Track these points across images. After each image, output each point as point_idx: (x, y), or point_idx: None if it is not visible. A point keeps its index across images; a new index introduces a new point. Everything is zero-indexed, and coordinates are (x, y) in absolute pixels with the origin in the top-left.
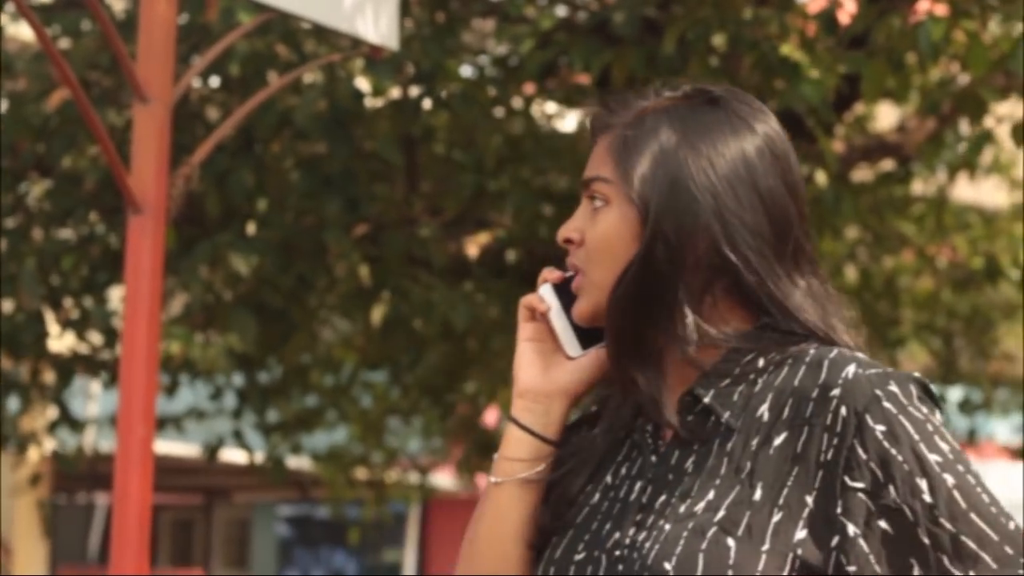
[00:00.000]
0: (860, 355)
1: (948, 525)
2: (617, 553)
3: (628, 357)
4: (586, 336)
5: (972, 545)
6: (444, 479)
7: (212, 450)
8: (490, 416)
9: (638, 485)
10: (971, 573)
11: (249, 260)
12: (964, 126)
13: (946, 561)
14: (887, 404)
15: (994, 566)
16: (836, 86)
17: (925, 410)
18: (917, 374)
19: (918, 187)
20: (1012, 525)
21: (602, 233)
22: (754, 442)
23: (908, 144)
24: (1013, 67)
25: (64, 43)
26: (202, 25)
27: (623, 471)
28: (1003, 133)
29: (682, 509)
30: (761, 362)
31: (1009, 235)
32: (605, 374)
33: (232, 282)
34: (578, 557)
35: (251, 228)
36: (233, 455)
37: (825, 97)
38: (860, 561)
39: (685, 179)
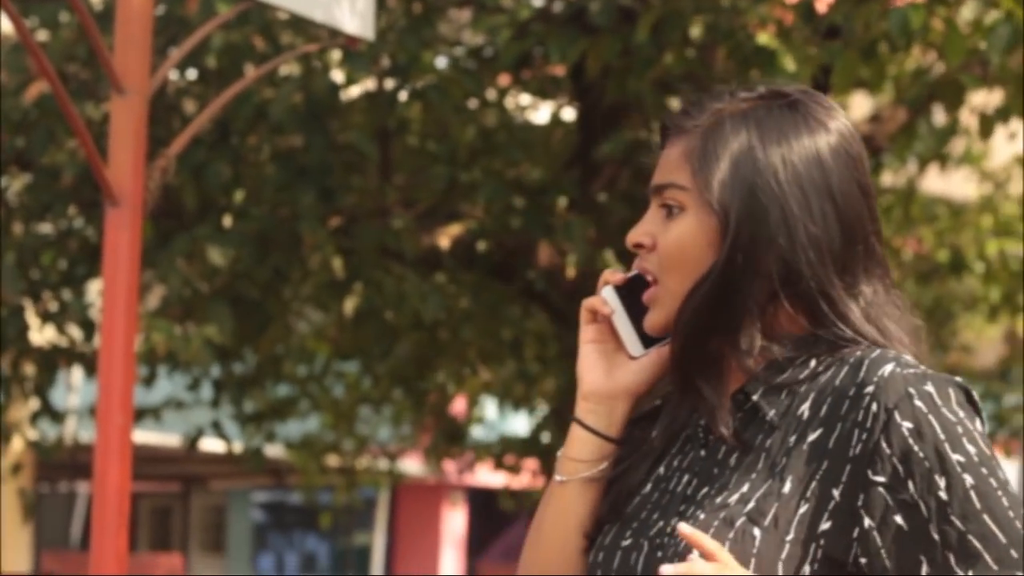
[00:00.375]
0: (905, 357)
1: (959, 523)
2: (658, 541)
3: (692, 363)
4: (645, 336)
5: (976, 544)
6: (412, 465)
7: (192, 440)
8: (458, 405)
9: (686, 478)
10: (969, 572)
11: (226, 253)
12: (938, 117)
13: (952, 560)
14: (918, 403)
15: (995, 567)
16: (812, 76)
17: (962, 414)
18: (960, 379)
19: (888, 178)
20: None
21: (678, 240)
22: (792, 439)
23: (880, 135)
24: (988, 55)
25: (42, 35)
26: (180, 17)
27: (675, 463)
28: (975, 124)
29: (718, 501)
30: (812, 363)
31: (976, 227)
32: (667, 372)
33: (209, 275)
34: (625, 543)
35: (228, 221)
36: (210, 444)
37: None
38: (872, 554)
39: (761, 188)
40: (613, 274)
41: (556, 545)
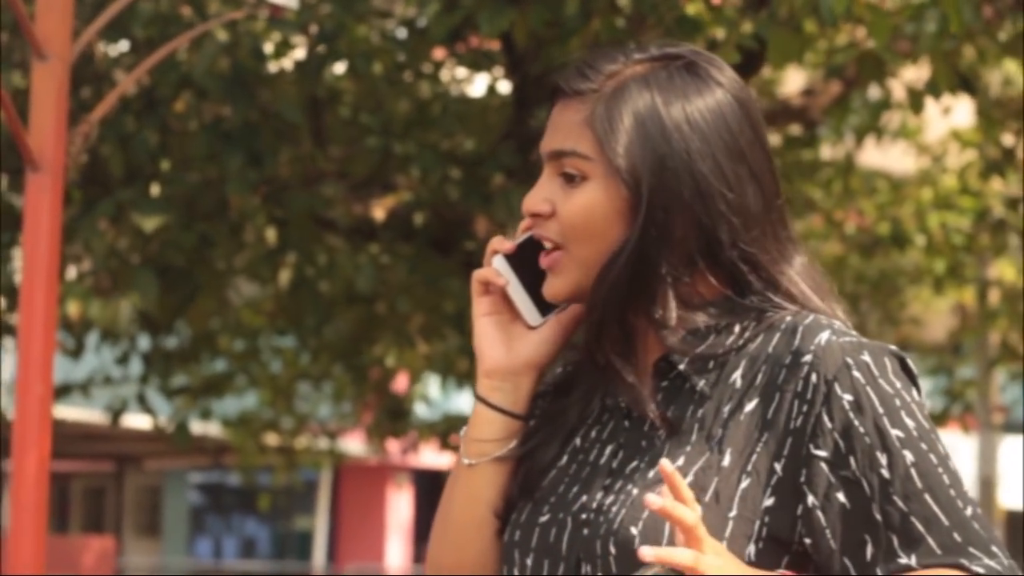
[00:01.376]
0: (836, 323)
1: (901, 504)
2: (583, 516)
3: (609, 339)
4: (540, 301)
5: (919, 527)
6: (355, 445)
7: (116, 414)
8: (400, 382)
9: (609, 449)
10: (913, 556)
11: (152, 219)
12: (872, 90)
13: (895, 542)
14: (856, 374)
15: (938, 552)
16: (740, 48)
17: (899, 384)
18: (895, 347)
19: (826, 152)
20: (970, 511)
21: (583, 209)
22: (726, 409)
23: (814, 108)
24: (916, 32)
25: None
26: None
27: (593, 434)
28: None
29: (651, 474)
30: (737, 329)
31: (916, 201)
32: (569, 340)
33: (137, 243)
34: (543, 519)
35: (155, 189)
36: (144, 422)
37: (730, 63)
38: (816, 533)
39: (670, 155)
40: (502, 242)
41: (468, 530)
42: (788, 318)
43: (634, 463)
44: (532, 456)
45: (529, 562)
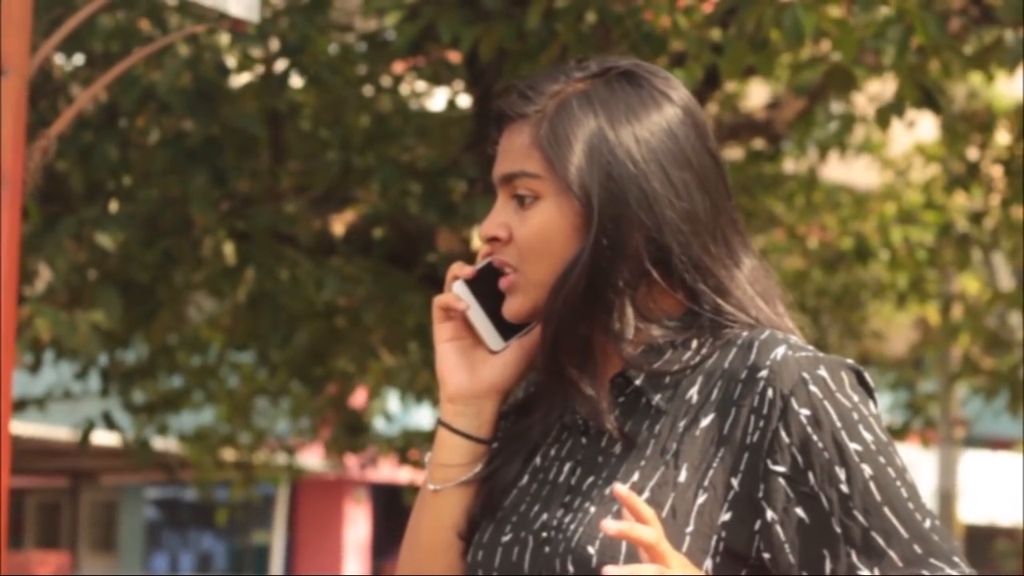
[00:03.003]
0: (793, 338)
1: (860, 518)
2: (544, 535)
3: (565, 353)
4: (502, 326)
5: (880, 541)
6: (312, 460)
7: (85, 433)
8: (359, 397)
9: (567, 467)
10: (875, 569)
11: (114, 236)
12: (835, 105)
13: (854, 556)
14: (813, 388)
15: (900, 564)
16: (706, 62)
17: (856, 398)
18: (851, 361)
19: (789, 166)
20: (928, 523)
21: (539, 229)
22: (681, 424)
23: (778, 122)
24: (880, 48)
25: None
26: (67, 0)
27: (552, 452)
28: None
29: (607, 491)
30: (694, 344)
31: (880, 215)
32: (532, 363)
33: (97, 259)
34: (505, 539)
35: (115, 205)
36: (100, 438)
37: (695, 77)
38: (775, 548)
39: (618, 168)
40: (461, 268)
41: (434, 552)
42: (744, 333)
43: (591, 479)
44: (494, 476)
45: None
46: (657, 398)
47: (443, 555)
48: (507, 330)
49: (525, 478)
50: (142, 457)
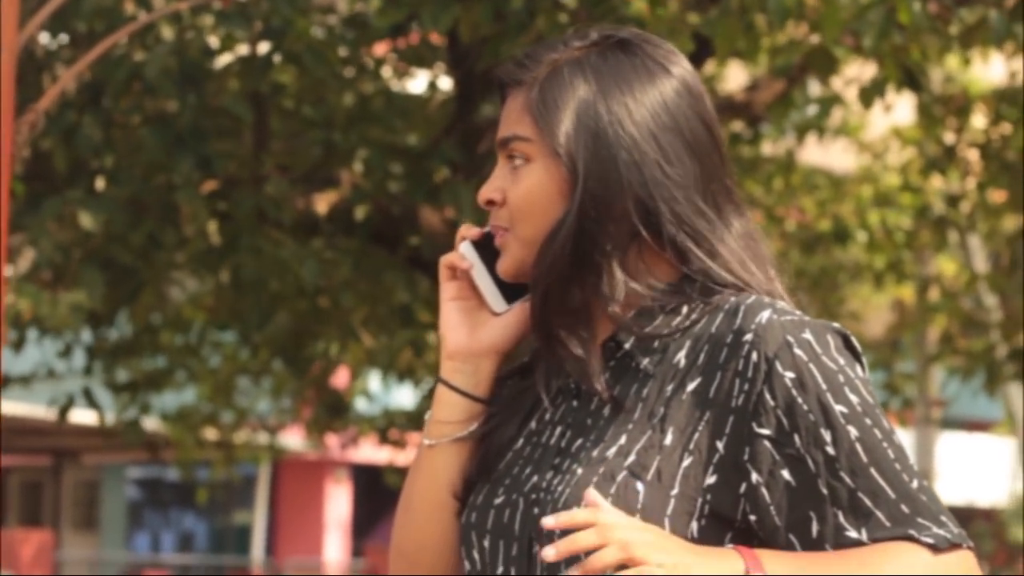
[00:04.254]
0: (780, 303)
1: (847, 479)
2: (533, 497)
3: (554, 314)
4: (509, 290)
5: (867, 502)
6: (293, 439)
7: (63, 410)
8: (340, 377)
9: (559, 430)
10: (863, 530)
11: (97, 217)
12: (813, 87)
13: (841, 516)
14: (798, 351)
15: (887, 524)
16: (685, 45)
17: (842, 361)
18: (838, 325)
19: (767, 148)
20: (916, 483)
21: (526, 191)
22: (669, 388)
23: (756, 104)
24: (862, 29)
25: None
26: None
27: (547, 416)
28: (852, 96)
29: (595, 454)
30: (684, 309)
31: (857, 198)
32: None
33: (81, 239)
34: (498, 501)
35: (99, 184)
36: (82, 416)
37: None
38: (761, 510)
39: (606, 132)
40: (469, 229)
41: (428, 511)
42: (732, 298)
43: (579, 442)
44: (489, 438)
45: (486, 543)
46: (646, 362)
47: (436, 512)
48: (512, 294)
49: (520, 441)
50: (131, 436)
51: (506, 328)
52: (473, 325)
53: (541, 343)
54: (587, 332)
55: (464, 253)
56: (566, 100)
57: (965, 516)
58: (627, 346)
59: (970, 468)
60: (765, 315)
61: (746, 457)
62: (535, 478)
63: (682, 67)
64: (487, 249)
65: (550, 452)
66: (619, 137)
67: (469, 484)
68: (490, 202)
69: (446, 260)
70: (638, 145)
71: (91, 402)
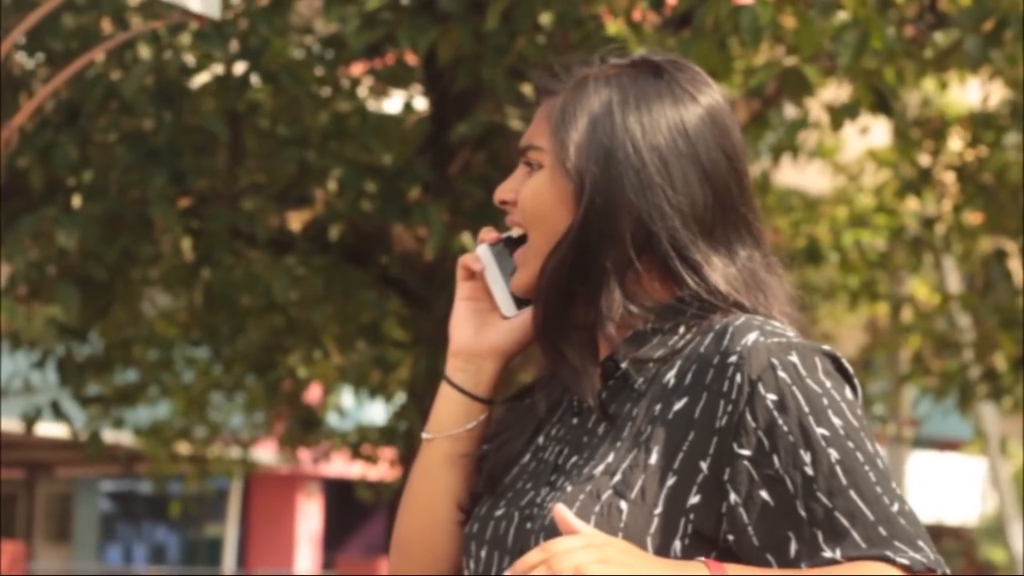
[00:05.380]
0: (770, 325)
1: (825, 500)
2: (527, 512)
3: (556, 326)
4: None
5: (844, 522)
6: (266, 454)
7: (30, 422)
8: (313, 392)
9: (559, 447)
10: (837, 550)
11: (73, 234)
12: (789, 109)
13: (820, 537)
14: (782, 374)
15: (863, 545)
16: None
17: (828, 383)
18: (828, 347)
19: None
20: (896, 507)
21: (532, 193)
22: (656, 407)
23: None
24: (836, 51)
25: None
26: (32, 1)
27: (553, 432)
28: (827, 118)
29: (585, 471)
30: (681, 330)
31: (831, 219)
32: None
33: (57, 255)
34: (498, 513)
35: (76, 201)
36: (55, 430)
37: None
38: (738, 530)
39: (616, 150)
40: (488, 232)
41: (421, 502)
42: (724, 320)
43: (574, 459)
44: (498, 452)
45: (483, 554)
46: (639, 381)
47: (428, 503)
48: (524, 302)
49: (527, 456)
50: (93, 449)
51: (512, 332)
52: (480, 326)
53: (542, 353)
54: (588, 347)
55: (480, 255)
56: (583, 114)
57: (934, 534)
58: (624, 365)
59: (940, 487)
60: (752, 337)
61: (726, 477)
62: (532, 493)
63: (712, 97)
64: (503, 253)
65: (548, 468)
66: (628, 156)
67: (475, 497)
68: (504, 202)
69: (463, 260)
70: (646, 167)
71: (59, 415)
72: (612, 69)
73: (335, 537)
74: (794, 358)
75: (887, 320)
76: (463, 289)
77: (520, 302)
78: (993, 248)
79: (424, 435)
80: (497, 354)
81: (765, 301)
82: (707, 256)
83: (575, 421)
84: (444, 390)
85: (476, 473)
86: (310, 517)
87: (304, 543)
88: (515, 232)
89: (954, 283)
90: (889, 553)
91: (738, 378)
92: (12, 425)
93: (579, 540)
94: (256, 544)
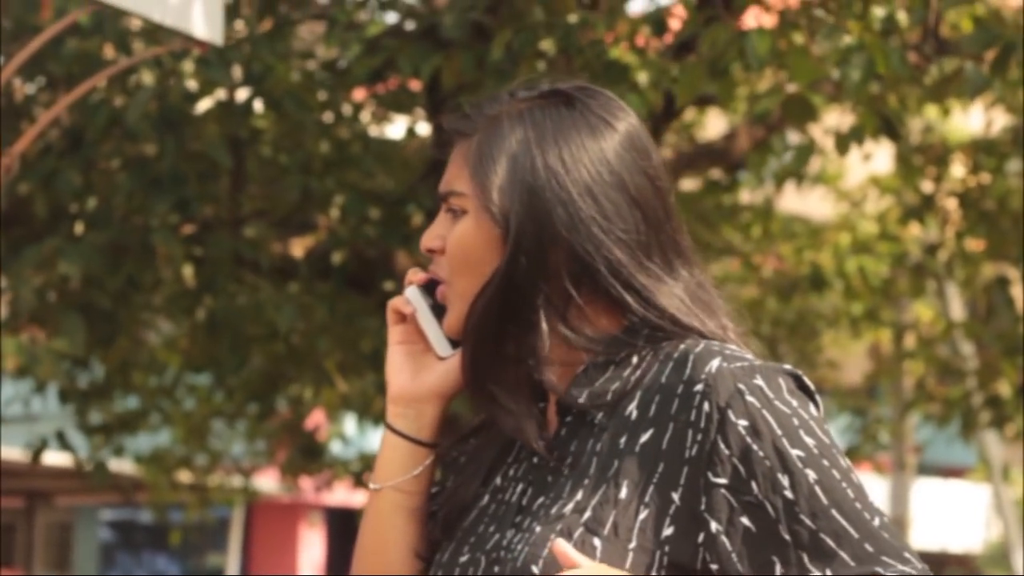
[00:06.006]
0: (729, 348)
1: (808, 522)
2: (494, 555)
3: (485, 370)
4: None
5: (830, 542)
6: (267, 482)
7: (36, 452)
8: (315, 420)
9: (520, 487)
10: (827, 571)
11: (77, 263)
12: (792, 135)
13: (806, 559)
14: (750, 398)
15: (852, 564)
16: (664, 92)
17: (795, 403)
18: (789, 367)
19: (745, 196)
20: (878, 521)
21: (459, 241)
22: (621, 440)
23: (734, 151)
24: (842, 76)
25: None
26: (34, 26)
27: (511, 472)
28: (830, 144)
29: (553, 511)
30: (635, 359)
31: (834, 245)
32: None
33: (59, 283)
34: (463, 559)
35: (79, 228)
36: (55, 458)
37: (652, 106)
38: (722, 559)
39: (541, 188)
40: (416, 273)
41: (374, 551)
42: (681, 346)
43: (540, 499)
44: (452, 496)
45: None
46: (599, 416)
47: (382, 554)
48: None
49: (486, 498)
50: (98, 478)
51: (450, 373)
52: (417, 369)
53: (472, 397)
54: (523, 387)
55: (409, 297)
56: (501, 154)
57: (939, 562)
58: (580, 400)
59: (944, 514)
60: (715, 363)
61: (703, 507)
62: (497, 536)
63: (627, 122)
64: (435, 294)
65: (512, 509)
66: (555, 192)
67: (434, 543)
68: (430, 250)
69: (392, 304)
70: (574, 201)
71: (64, 444)
72: (523, 103)
73: (337, 566)
74: (759, 381)
75: (890, 347)
76: (395, 333)
77: (455, 342)
78: (995, 275)
79: (371, 485)
80: (437, 396)
81: (713, 321)
82: (649, 280)
83: (535, 460)
84: (387, 438)
85: (430, 519)
86: (312, 547)
87: (306, 572)
88: (436, 277)
89: (957, 310)
90: (879, 569)
91: (706, 406)
92: (10, 454)
93: (585, 571)
94: (258, 573)
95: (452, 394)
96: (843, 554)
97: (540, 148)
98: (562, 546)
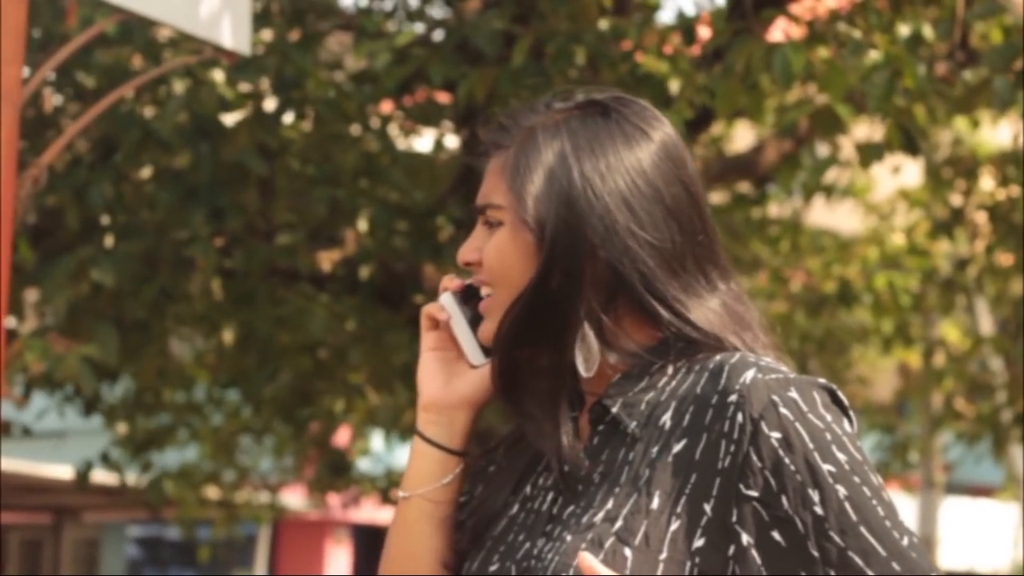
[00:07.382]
0: (765, 360)
1: (837, 539)
2: (525, 564)
3: (518, 383)
4: None
5: (858, 561)
6: (295, 499)
7: (82, 473)
8: (343, 436)
9: (550, 496)
10: None
11: (110, 273)
12: (822, 148)
13: None
14: (784, 411)
15: None
16: (693, 104)
17: (829, 418)
18: (823, 380)
19: (773, 209)
20: (906, 540)
21: (495, 252)
22: (654, 450)
23: (762, 164)
24: (866, 91)
25: None
26: (61, 35)
27: (540, 481)
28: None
29: (584, 520)
30: (670, 370)
31: (863, 260)
32: None
33: (91, 294)
34: (492, 568)
35: (110, 240)
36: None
37: (683, 117)
38: (751, 572)
39: (576, 198)
40: (451, 280)
41: (401, 561)
42: (717, 357)
43: (570, 508)
44: (481, 505)
45: None
46: (632, 425)
47: (409, 562)
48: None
49: (516, 507)
50: (153, 498)
51: (482, 381)
52: (449, 376)
53: (505, 409)
54: (553, 398)
55: (444, 304)
56: (537, 166)
57: None
58: (614, 410)
59: (973, 533)
60: (750, 375)
61: (734, 519)
62: (527, 545)
63: (663, 131)
64: (470, 302)
65: (542, 518)
66: (590, 204)
67: (461, 554)
68: (468, 263)
69: (426, 310)
70: (610, 212)
71: (110, 464)
72: (559, 114)
73: None
74: (794, 394)
75: (919, 364)
76: (428, 339)
77: (488, 351)
78: None
79: (400, 493)
80: (469, 405)
81: (748, 333)
82: (683, 293)
83: (566, 468)
84: (417, 445)
85: (457, 529)
86: (339, 563)
87: None
88: (481, 287)
89: (986, 325)
90: None
91: (739, 417)
92: (39, 470)
93: None
94: None
95: (483, 403)
96: (870, 573)
97: (576, 159)
98: (588, 560)
